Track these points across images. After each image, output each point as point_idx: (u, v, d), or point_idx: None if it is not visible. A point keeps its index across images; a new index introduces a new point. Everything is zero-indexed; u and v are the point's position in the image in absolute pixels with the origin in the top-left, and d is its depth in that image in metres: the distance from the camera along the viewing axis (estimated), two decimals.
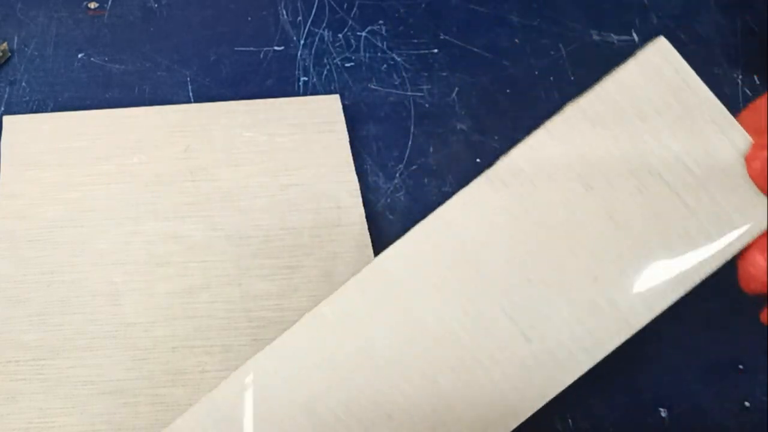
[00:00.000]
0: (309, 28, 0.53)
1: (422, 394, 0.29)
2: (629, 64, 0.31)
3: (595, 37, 0.53)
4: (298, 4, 0.54)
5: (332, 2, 0.54)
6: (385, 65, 0.51)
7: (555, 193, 0.30)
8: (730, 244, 0.30)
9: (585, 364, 0.30)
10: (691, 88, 0.31)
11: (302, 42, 0.52)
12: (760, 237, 0.30)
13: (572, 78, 0.50)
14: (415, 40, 0.52)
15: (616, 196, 0.30)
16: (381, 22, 0.53)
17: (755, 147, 0.29)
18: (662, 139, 0.30)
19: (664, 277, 0.30)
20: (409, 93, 0.49)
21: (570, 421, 0.37)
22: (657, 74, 0.31)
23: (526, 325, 0.30)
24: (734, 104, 0.49)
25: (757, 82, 0.50)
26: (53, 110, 0.47)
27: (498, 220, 0.30)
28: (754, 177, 0.29)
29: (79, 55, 0.50)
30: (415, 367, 0.29)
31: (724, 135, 0.30)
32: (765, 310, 0.32)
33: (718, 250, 0.29)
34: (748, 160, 0.29)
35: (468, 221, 0.30)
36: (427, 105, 0.49)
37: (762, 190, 0.29)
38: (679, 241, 0.30)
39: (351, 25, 0.53)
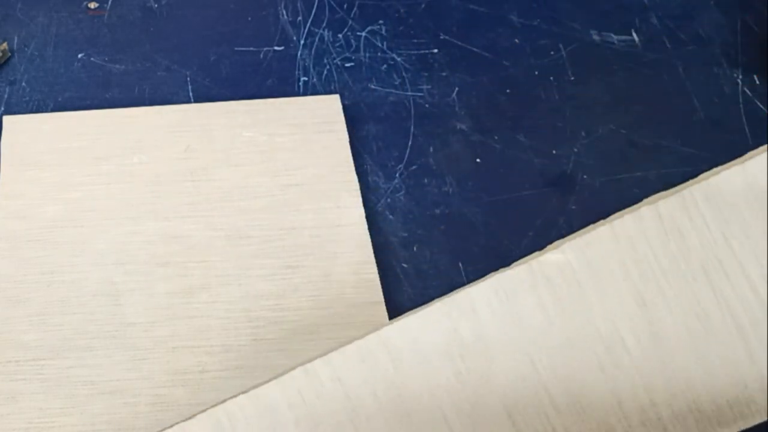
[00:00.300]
0: (309, 28, 0.53)
1: None
2: (732, 169, 0.26)
3: (595, 37, 0.53)
4: (298, 4, 0.54)
5: (332, 2, 0.54)
6: (385, 65, 0.51)
7: (602, 300, 0.27)
8: None
9: None
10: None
11: (302, 42, 0.52)
12: None
13: (572, 78, 0.50)
14: (415, 40, 0.52)
15: (669, 319, 0.26)
16: (381, 22, 0.53)
17: None
18: (743, 265, 0.26)
19: (697, 417, 0.26)
20: (409, 93, 0.49)
21: None
22: (758, 185, 0.26)
23: None
24: (734, 104, 0.49)
25: (757, 82, 0.50)
26: (53, 110, 0.47)
27: (532, 317, 0.27)
28: None
29: (79, 55, 0.50)
30: None
31: None
32: None
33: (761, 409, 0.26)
34: None
35: (499, 311, 0.27)
36: (427, 105, 0.49)
37: None
38: (726, 382, 0.26)
39: (351, 25, 0.53)
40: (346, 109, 0.46)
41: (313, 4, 0.54)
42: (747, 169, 0.26)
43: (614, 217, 0.27)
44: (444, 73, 0.50)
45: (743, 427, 0.26)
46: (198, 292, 0.39)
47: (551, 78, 0.50)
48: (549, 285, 0.27)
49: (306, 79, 0.50)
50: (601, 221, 0.27)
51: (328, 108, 0.46)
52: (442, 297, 0.28)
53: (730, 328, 0.26)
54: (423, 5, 0.54)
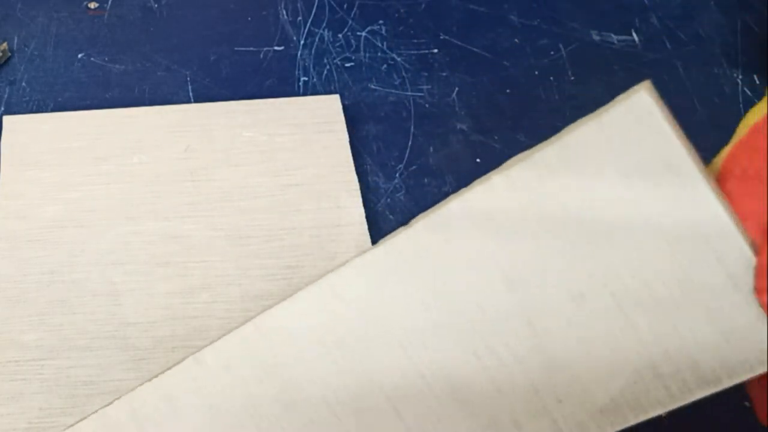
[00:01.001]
0: (309, 28, 0.53)
1: None
2: (590, 125, 0.23)
3: (595, 37, 0.53)
4: (298, 4, 0.54)
5: (332, 2, 0.54)
6: (385, 65, 0.51)
7: (469, 282, 0.24)
8: (686, 389, 0.23)
9: None
10: (672, 170, 0.22)
11: (302, 42, 0.52)
12: None
13: (572, 78, 0.50)
14: (415, 40, 0.52)
15: (543, 301, 0.23)
16: (381, 22, 0.53)
17: (764, 272, 0.20)
18: (615, 236, 0.22)
19: (587, 408, 0.23)
20: (409, 93, 0.49)
21: None
22: (624, 143, 0.22)
23: (415, 427, 0.25)
24: (734, 104, 0.49)
25: (757, 82, 0.50)
26: (53, 110, 0.47)
27: (400, 304, 0.25)
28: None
29: (79, 55, 0.50)
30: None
31: (710, 244, 0.21)
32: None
33: (667, 394, 0.23)
34: (758, 291, 0.21)
35: (368, 297, 0.25)
36: (427, 105, 0.49)
37: None
38: (616, 369, 0.23)
39: (351, 25, 0.53)
40: (346, 109, 0.46)
41: (313, 4, 0.54)
42: (605, 124, 0.23)
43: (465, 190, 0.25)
44: (444, 73, 0.50)
45: (642, 419, 0.24)
46: (198, 292, 0.39)
47: (551, 78, 0.50)
48: (407, 264, 0.24)
49: (306, 79, 0.50)
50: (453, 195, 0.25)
51: (328, 108, 0.46)
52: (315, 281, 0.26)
53: (609, 306, 0.22)
54: (423, 5, 0.54)
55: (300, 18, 0.53)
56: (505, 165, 0.24)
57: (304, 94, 0.49)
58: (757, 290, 0.20)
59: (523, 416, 0.24)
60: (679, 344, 0.22)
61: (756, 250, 0.21)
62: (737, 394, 0.39)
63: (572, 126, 0.23)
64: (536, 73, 0.51)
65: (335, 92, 0.48)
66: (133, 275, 0.39)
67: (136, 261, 0.40)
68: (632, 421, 0.23)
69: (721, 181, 0.22)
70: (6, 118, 0.45)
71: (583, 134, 0.23)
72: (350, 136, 0.45)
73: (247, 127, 0.45)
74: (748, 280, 0.21)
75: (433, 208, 0.25)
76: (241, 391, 0.27)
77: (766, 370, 0.22)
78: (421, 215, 0.25)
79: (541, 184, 0.23)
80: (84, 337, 0.37)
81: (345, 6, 0.54)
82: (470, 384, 0.24)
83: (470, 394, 0.24)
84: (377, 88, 0.49)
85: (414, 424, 0.25)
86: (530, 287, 0.23)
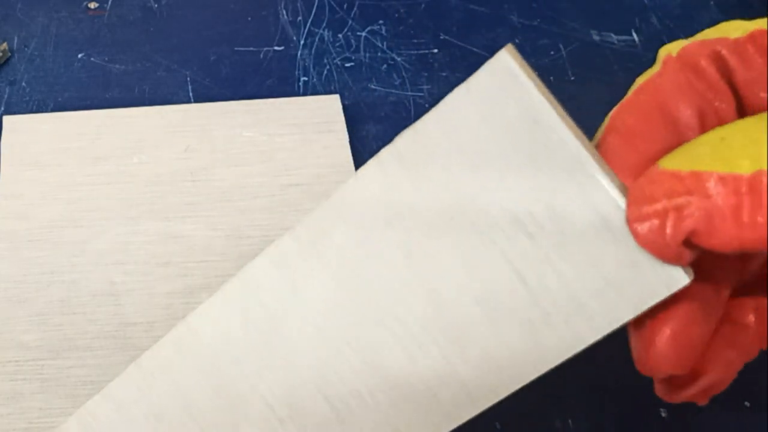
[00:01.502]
0: (309, 28, 0.53)
1: None
2: (456, 92, 0.24)
3: (595, 37, 0.53)
4: (298, 4, 0.54)
5: (332, 2, 0.54)
6: (385, 65, 0.51)
7: (368, 254, 0.25)
8: (578, 337, 0.23)
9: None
10: (540, 126, 0.23)
11: (302, 42, 0.52)
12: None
13: (572, 78, 0.50)
14: (415, 40, 0.52)
15: (437, 266, 0.24)
16: (381, 22, 0.53)
17: (636, 200, 0.20)
18: (496, 195, 0.23)
19: (493, 368, 0.24)
20: (409, 93, 0.49)
21: (570, 421, 0.37)
22: (492, 106, 0.23)
23: (339, 404, 0.26)
24: None
25: None
26: (53, 110, 0.47)
27: (309, 286, 0.26)
28: (644, 244, 0.20)
29: (79, 55, 0.50)
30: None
31: (582, 191, 0.22)
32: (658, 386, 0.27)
33: (563, 342, 0.23)
34: (630, 222, 0.20)
35: (279, 284, 0.26)
36: (427, 105, 0.49)
37: (664, 257, 0.20)
38: (513, 326, 0.23)
39: (351, 25, 0.53)
40: (346, 109, 0.46)
41: (313, 4, 0.54)
42: (471, 89, 0.24)
43: (362, 167, 0.25)
44: (444, 73, 0.50)
45: (544, 371, 0.24)
46: (198, 292, 0.39)
47: (551, 78, 0.50)
48: (315, 249, 0.25)
49: (306, 79, 0.50)
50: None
51: (328, 108, 0.46)
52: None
53: (499, 264, 0.23)
54: (423, 5, 0.54)
55: (300, 18, 0.53)
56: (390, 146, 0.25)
57: (304, 94, 0.49)
58: (629, 220, 0.20)
59: (431, 379, 0.25)
60: (565, 293, 0.22)
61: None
62: (737, 395, 0.39)
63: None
64: (536, 73, 0.51)
65: (335, 92, 0.48)
66: (133, 275, 0.39)
67: (136, 261, 0.40)
68: (535, 374, 0.24)
69: (603, 137, 0.23)
70: (6, 118, 0.45)
71: (451, 101, 0.24)
72: (350, 136, 0.45)
73: (247, 127, 0.45)
74: (619, 219, 0.21)
75: (330, 198, 0.26)
76: (180, 393, 0.27)
77: (650, 304, 0.22)
78: (320, 205, 0.26)
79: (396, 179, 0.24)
80: (84, 337, 0.37)
81: (345, 6, 0.54)
82: (385, 355, 0.25)
83: (387, 366, 0.25)
84: (377, 88, 0.49)
85: (340, 405, 0.25)
86: (425, 260, 0.24)
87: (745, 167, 0.18)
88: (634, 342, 0.25)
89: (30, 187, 0.42)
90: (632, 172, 0.22)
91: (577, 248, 0.22)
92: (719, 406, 0.38)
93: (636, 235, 0.20)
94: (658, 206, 0.20)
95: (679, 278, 0.21)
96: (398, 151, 0.25)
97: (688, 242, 0.20)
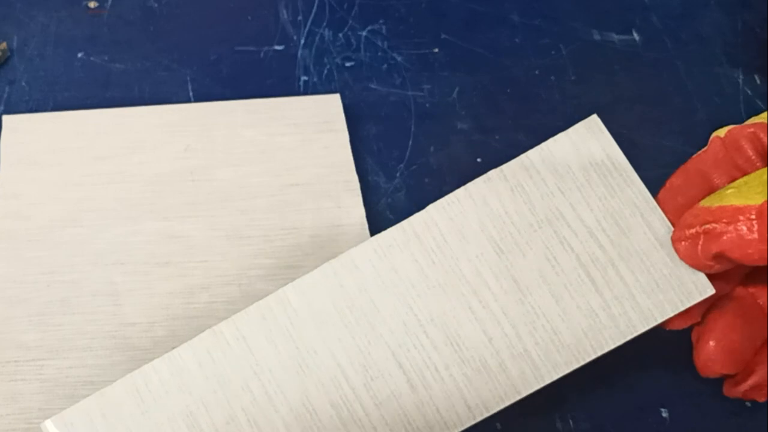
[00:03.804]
0: (309, 28, 0.52)
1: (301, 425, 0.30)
2: (559, 137, 0.32)
3: (596, 37, 0.53)
4: (298, 4, 0.54)
5: (332, 1, 0.54)
6: (385, 65, 0.51)
7: (466, 251, 0.31)
8: (631, 326, 0.30)
9: (465, 421, 0.30)
10: (616, 168, 0.32)
11: (302, 41, 0.52)
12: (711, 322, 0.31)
13: (573, 78, 0.50)
14: (416, 40, 0.52)
15: (524, 263, 0.31)
16: (381, 21, 0.53)
17: (679, 226, 0.29)
18: (579, 214, 0.31)
19: (558, 348, 0.30)
20: (410, 92, 0.49)
21: (570, 421, 0.37)
22: (583, 150, 0.32)
23: (414, 375, 0.30)
24: (735, 104, 0.49)
25: (758, 82, 0.50)
26: (53, 110, 0.47)
27: (407, 269, 0.31)
28: (683, 258, 0.29)
29: (79, 55, 0.50)
30: (296, 402, 0.30)
31: (642, 218, 0.31)
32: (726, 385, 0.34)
33: (618, 330, 0.30)
34: (674, 241, 0.29)
35: (378, 266, 0.31)
36: (427, 105, 0.49)
37: (698, 267, 0.29)
38: (579, 314, 0.30)
39: (351, 24, 0.53)
40: (346, 109, 0.46)
41: (314, 3, 0.54)
42: (570, 136, 0.32)
43: (469, 184, 0.32)
44: (445, 73, 0.50)
45: (600, 353, 0.30)
46: (198, 292, 0.39)
47: (552, 77, 0.50)
48: (418, 240, 0.31)
49: (306, 78, 0.50)
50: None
51: (329, 107, 0.46)
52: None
53: (574, 265, 0.31)
54: (423, 4, 0.54)
55: (300, 17, 0.53)
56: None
57: (305, 93, 0.49)
58: (673, 240, 0.29)
59: (509, 361, 0.30)
60: (624, 291, 0.30)
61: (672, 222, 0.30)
62: None
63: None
64: (537, 72, 0.51)
65: (336, 92, 0.48)
66: (133, 275, 0.39)
67: (136, 261, 0.40)
68: (593, 355, 0.30)
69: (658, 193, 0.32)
70: (6, 118, 0.45)
71: (540, 153, 0.32)
72: (351, 136, 0.45)
73: (247, 126, 0.45)
74: (668, 240, 0.30)
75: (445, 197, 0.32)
76: (254, 358, 0.30)
77: (686, 305, 0.30)
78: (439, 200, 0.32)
79: (498, 198, 0.32)
80: (84, 337, 0.37)
81: (345, 5, 0.54)
82: (465, 333, 0.31)
83: (464, 343, 0.30)
84: (378, 87, 0.49)
85: (411, 369, 0.30)
86: (514, 253, 0.31)
87: (757, 200, 0.25)
88: (695, 351, 0.32)
89: (30, 187, 0.42)
90: (672, 215, 0.31)
91: (636, 258, 0.30)
92: (719, 406, 0.38)
93: (678, 251, 0.29)
94: (693, 231, 0.28)
95: (708, 287, 0.30)
96: (503, 173, 0.32)
97: (718, 257, 0.27)
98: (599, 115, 0.33)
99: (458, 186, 0.37)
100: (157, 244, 0.40)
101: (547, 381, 0.30)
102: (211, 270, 0.39)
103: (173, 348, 0.37)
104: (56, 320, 0.38)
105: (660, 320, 0.30)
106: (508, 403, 0.30)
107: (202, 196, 0.42)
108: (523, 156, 0.32)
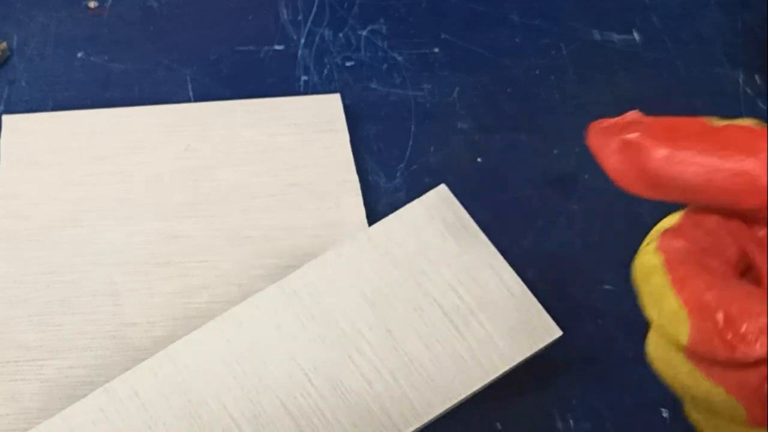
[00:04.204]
0: (309, 27, 0.52)
1: None
2: (414, 204, 0.36)
3: (596, 37, 0.53)
4: (299, 3, 0.54)
5: (333, 1, 0.54)
6: (385, 64, 0.50)
7: (341, 306, 0.34)
8: (494, 366, 0.33)
9: None
10: (467, 229, 0.36)
11: (302, 41, 0.52)
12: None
13: (573, 77, 0.50)
14: (416, 40, 0.52)
15: (395, 315, 0.34)
16: (381, 21, 0.53)
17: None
18: (439, 270, 0.35)
19: (433, 389, 0.33)
20: (410, 92, 0.49)
21: (571, 421, 0.37)
22: (436, 214, 0.36)
23: (303, 421, 0.32)
24: (734, 104, 0.49)
25: (758, 82, 0.50)
26: (53, 109, 0.47)
27: (288, 324, 0.34)
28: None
29: (79, 55, 0.50)
30: None
31: (493, 271, 0.35)
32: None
33: (483, 371, 0.33)
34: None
35: (262, 323, 0.34)
36: (427, 104, 0.48)
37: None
38: (448, 358, 0.33)
39: (351, 24, 0.53)
40: (346, 109, 0.46)
41: (314, 2, 0.54)
42: (424, 202, 0.36)
43: (339, 245, 0.36)
44: (445, 73, 0.50)
45: (470, 392, 0.33)
46: (198, 292, 0.39)
47: (552, 77, 0.50)
48: (297, 297, 0.34)
49: (306, 78, 0.50)
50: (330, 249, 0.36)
51: (329, 107, 0.46)
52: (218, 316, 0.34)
53: (439, 315, 0.34)
54: (424, 4, 0.54)
55: (300, 17, 0.53)
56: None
57: (305, 93, 0.49)
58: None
59: (388, 402, 0.33)
60: (484, 336, 0.34)
61: None
62: None
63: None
64: (537, 72, 0.51)
65: (336, 91, 0.48)
66: (133, 275, 0.39)
67: (136, 261, 0.40)
68: (464, 395, 0.33)
69: None
70: (5, 118, 0.45)
71: (399, 219, 0.36)
72: (351, 136, 0.45)
73: (247, 126, 0.45)
74: (518, 290, 0.35)
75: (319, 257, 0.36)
76: (148, 413, 0.32)
77: (540, 347, 0.34)
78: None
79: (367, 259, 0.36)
80: (84, 337, 0.37)
81: (345, 5, 0.54)
82: (347, 380, 0.33)
83: (347, 389, 0.33)
84: (378, 87, 0.49)
85: (299, 416, 0.32)
86: (384, 306, 0.35)
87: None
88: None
89: (29, 187, 0.42)
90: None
91: (492, 306, 0.34)
92: None
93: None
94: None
95: (555, 330, 0.34)
96: (369, 236, 0.36)
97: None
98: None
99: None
100: (157, 244, 0.40)
101: (425, 420, 0.32)
102: (211, 270, 0.39)
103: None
104: (56, 320, 0.38)
105: (519, 360, 0.33)
106: None
107: (202, 196, 0.42)
108: (384, 220, 0.36)
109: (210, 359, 0.33)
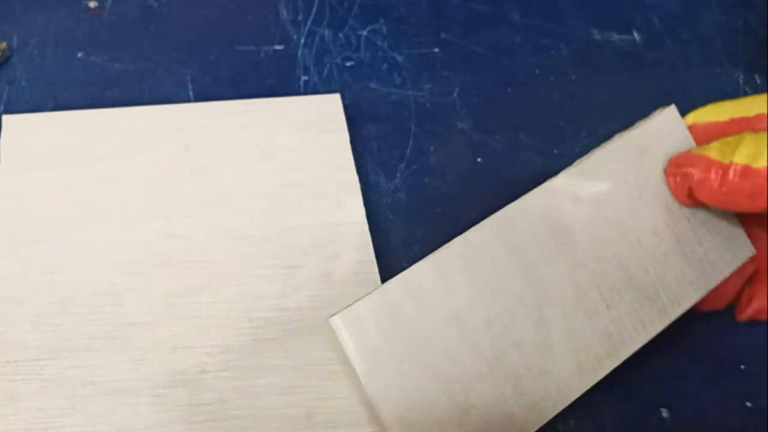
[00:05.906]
0: (309, 27, 0.52)
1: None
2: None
3: (596, 36, 0.53)
4: (299, 3, 0.54)
5: (333, 1, 0.54)
6: (385, 64, 0.50)
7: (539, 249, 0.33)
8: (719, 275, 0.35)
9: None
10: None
11: (302, 41, 0.52)
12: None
13: (573, 77, 0.50)
14: (416, 39, 0.52)
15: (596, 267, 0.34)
16: (382, 21, 0.53)
17: (671, 164, 0.35)
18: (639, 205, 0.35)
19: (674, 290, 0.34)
20: (410, 92, 0.49)
21: (571, 421, 0.37)
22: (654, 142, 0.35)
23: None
24: None
25: (759, 82, 0.50)
26: (53, 109, 0.47)
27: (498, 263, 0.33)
28: (671, 190, 0.35)
29: (79, 55, 0.50)
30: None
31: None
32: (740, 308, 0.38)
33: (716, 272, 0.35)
34: (666, 175, 0.35)
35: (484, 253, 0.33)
36: (428, 104, 0.48)
37: (679, 200, 0.35)
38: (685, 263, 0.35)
39: (351, 24, 0.53)
40: (346, 109, 0.46)
41: (314, 2, 0.54)
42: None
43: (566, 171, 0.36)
44: (445, 73, 0.50)
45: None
46: (198, 292, 0.39)
47: (552, 77, 0.50)
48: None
49: (306, 78, 0.50)
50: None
51: (329, 107, 0.46)
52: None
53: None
54: (424, 4, 0.54)
55: (300, 17, 0.53)
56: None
57: (305, 93, 0.49)
58: (666, 174, 0.35)
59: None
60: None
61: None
62: (739, 394, 0.39)
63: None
64: (537, 72, 0.51)
65: (336, 91, 0.48)
66: (133, 275, 0.39)
67: (136, 261, 0.40)
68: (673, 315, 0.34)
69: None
70: (5, 118, 0.45)
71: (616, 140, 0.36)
72: (351, 136, 0.45)
73: (247, 126, 0.45)
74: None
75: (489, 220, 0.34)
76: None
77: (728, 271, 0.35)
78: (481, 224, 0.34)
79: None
80: (84, 337, 0.37)
81: (345, 5, 0.54)
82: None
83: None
84: (378, 87, 0.49)
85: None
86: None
87: (728, 159, 0.31)
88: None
89: (30, 187, 0.42)
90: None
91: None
92: (721, 406, 0.38)
93: (668, 183, 0.35)
94: (680, 170, 0.34)
95: (748, 249, 0.36)
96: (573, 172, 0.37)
97: (692, 195, 0.33)
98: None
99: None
100: (157, 244, 0.40)
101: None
102: (211, 270, 0.39)
103: (173, 348, 0.37)
104: (56, 320, 0.38)
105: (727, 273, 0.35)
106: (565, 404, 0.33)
107: (202, 196, 0.42)
108: (590, 154, 0.36)
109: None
